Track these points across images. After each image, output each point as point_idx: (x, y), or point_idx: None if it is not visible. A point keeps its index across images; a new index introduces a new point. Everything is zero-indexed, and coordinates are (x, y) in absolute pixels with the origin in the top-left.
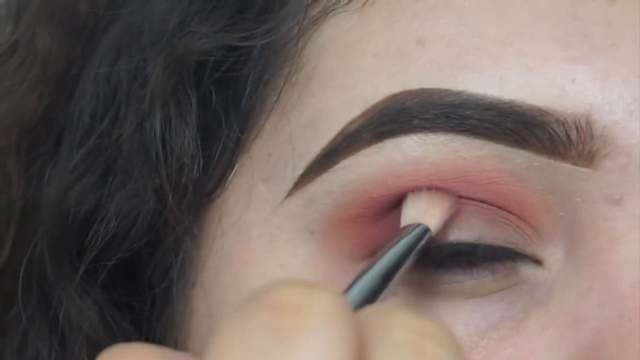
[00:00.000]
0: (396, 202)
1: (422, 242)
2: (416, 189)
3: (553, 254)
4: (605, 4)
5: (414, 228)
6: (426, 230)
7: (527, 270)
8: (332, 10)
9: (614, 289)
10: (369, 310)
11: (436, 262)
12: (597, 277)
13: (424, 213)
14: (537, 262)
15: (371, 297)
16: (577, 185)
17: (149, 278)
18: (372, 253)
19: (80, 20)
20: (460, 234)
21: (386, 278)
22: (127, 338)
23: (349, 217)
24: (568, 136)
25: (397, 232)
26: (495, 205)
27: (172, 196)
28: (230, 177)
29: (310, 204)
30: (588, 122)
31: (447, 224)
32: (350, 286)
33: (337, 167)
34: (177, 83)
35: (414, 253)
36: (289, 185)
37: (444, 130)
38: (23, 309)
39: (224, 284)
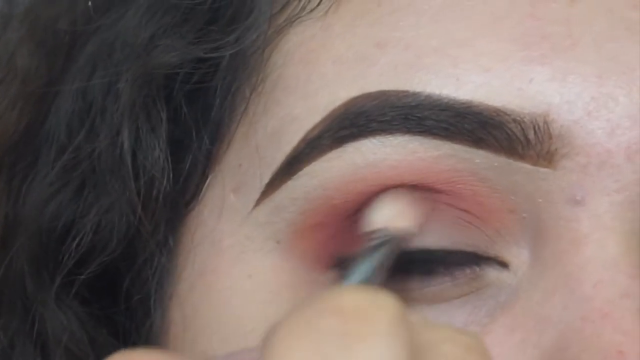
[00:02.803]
0: (359, 213)
1: (395, 251)
2: (380, 192)
3: (519, 256)
4: (565, 4)
5: (386, 236)
6: (399, 237)
7: (491, 274)
8: (297, 18)
9: (577, 290)
10: (417, 322)
11: (394, 268)
12: (561, 278)
13: (394, 217)
14: (503, 264)
15: None
16: (538, 186)
17: (127, 291)
18: (337, 264)
19: (60, 37)
20: (418, 239)
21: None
22: (108, 351)
23: (313, 226)
24: (526, 136)
25: (366, 239)
26: (455, 207)
27: (143, 209)
28: (203, 189)
29: (276, 212)
30: (546, 122)
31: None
32: None
33: (300, 173)
34: (147, 97)
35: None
36: (257, 194)
37: (402, 132)
38: (5, 324)
39: (198, 295)
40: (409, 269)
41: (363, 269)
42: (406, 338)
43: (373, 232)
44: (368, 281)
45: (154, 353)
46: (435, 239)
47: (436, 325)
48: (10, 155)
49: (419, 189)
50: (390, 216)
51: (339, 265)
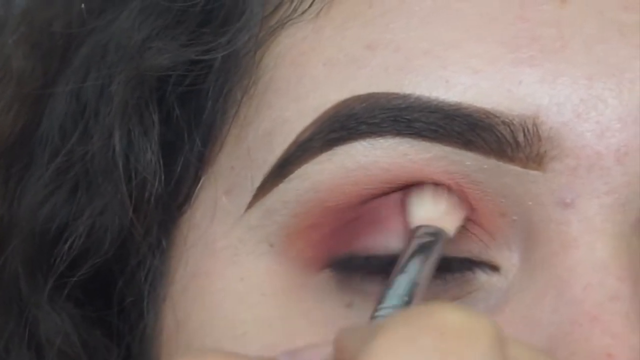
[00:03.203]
0: (353, 214)
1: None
2: (372, 197)
3: (509, 259)
4: (555, 6)
5: (435, 236)
6: (443, 237)
7: (482, 277)
8: (289, 20)
9: (567, 293)
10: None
11: (384, 270)
12: (551, 281)
13: (442, 215)
14: (494, 268)
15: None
16: (528, 188)
17: (120, 293)
18: (330, 266)
19: (55, 40)
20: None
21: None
22: (101, 353)
23: (306, 228)
24: (515, 138)
25: (413, 233)
26: None
27: (135, 211)
28: (196, 191)
29: (268, 215)
30: (535, 124)
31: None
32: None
33: (292, 176)
34: (139, 99)
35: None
36: (249, 197)
37: (392, 134)
38: (2, 326)
39: (190, 298)
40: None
41: (423, 268)
42: (502, 358)
43: (426, 227)
44: (420, 281)
45: (222, 355)
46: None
47: (524, 346)
48: (6, 157)
49: (454, 191)
50: (437, 215)
51: (333, 266)
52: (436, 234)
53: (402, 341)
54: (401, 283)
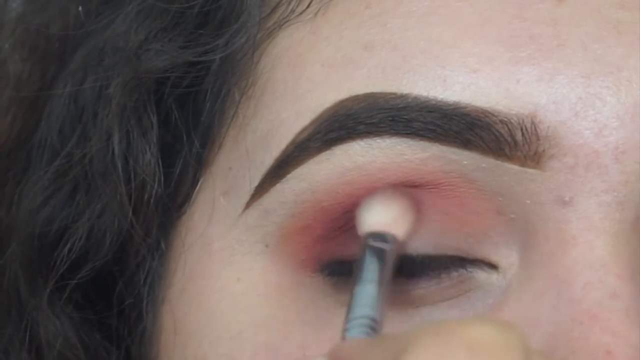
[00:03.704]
0: (345, 219)
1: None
2: (368, 196)
3: (507, 258)
4: (552, 5)
5: (387, 242)
6: (394, 242)
7: (480, 276)
8: (286, 21)
9: (566, 292)
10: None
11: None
12: (550, 280)
13: (391, 220)
14: (492, 266)
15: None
16: (526, 187)
17: (120, 295)
18: (325, 266)
19: (51, 43)
20: (405, 245)
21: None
22: (102, 355)
23: (301, 229)
24: (513, 137)
25: (364, 240)
26: (441, 209)
27: (134, 213)
28: (195, 193)
29: (265, 215)
30: (533, 123)
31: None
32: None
33: (289, 177)
34: (137, 101)
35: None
36: (247, 198)
37: (390, 134)
38: (1, 329)
39: (188, 299)
40: (395, 272)
41: (381, 276)
42: None
43: (371, 234)
44: (380, 290)
45: None
46: (421, 241)
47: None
48: (3, 160)
49: (407, 191)
50: (391, 219)
51: (328, 267)
52: (387, 239)
53: (433, 358)
54: (364, 292)
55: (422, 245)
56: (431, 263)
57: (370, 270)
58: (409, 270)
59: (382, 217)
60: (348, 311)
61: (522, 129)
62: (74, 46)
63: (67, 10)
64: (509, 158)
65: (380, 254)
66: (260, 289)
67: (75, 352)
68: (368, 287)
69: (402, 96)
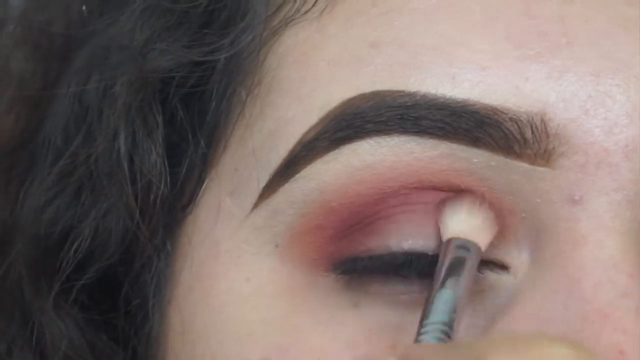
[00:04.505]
0: (356, 218)
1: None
2: (377, 196)
3: (518, 258)
4: (560, 2)
5: (470, 250)
6: (476, 251)
7: (491, 277)
8: (292, 20)
9: (577, 291)
10: None
11: (391, 270)
12: (561, 279)
13: (475, 229)
14: (503, 267)
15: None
16: (536, 185)
17: (126, 295)
18: (337, 267)
19: (55, 41)
20: (416, 242)
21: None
22: (107, 356)
23: (311, 229)
24: (523, 135)
25: (447, 245)
26: None
27: (140, 214)
28: (200, 193)
29: (274, 215)
30: (543, 121)
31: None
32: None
33: (297, 176)
34: (143, 101)
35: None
36: (254, 198)
37: (398, 132)
38: (3, 330)
39: (195, 299)
40: (407, 272)
41: (450, 283)
42: None
43: (456, 240)
44: (458, 298)
45: None
46: (432, 242)
47: None
48: (7, 160)
49: (491, 205)
50: (471, 228)
51: (340, 266)
52: (470, 248)
53: None
54: (442, 298)
55: (434, 245)
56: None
57: (451, 277)
58: (422, 272)
59: (467, 225)
60: (424, 315)
61: (531, 127)
62: (78, 45)
63: (70, 8)
64: (519, 156)
65: (461, 262)
66: (270, 289)
67: (81, 353)
68: (447, 293)
69: (411, 94)
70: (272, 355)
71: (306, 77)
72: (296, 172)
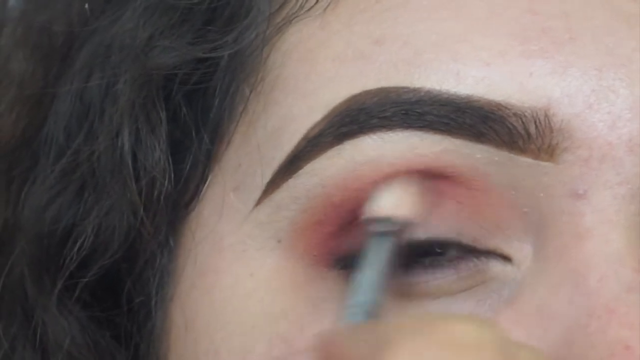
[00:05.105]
0: (356, 213)
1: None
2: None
3: (521, 251)
4: None
5: (390, 226)
6: (402, 227)
7: (495, 268)
8: (295, 17)
9: (582, 285)
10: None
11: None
12: (565, 273)
13: (397, 205)
14: (506, 258)
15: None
16: (539, 180)
17: (128, 293)
18: (338, 262)
19: (55, 41)
20: (417, 233)
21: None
22: (109, 354)
23: (313, 224)
24: (527, 130)
25: (369, 226)
26: (454, 201)
27: (144, 210)
28: (204, 189)
29: (277, 211)
30: (547, 116)
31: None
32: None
33: (301, 172)
34: (146, 98)
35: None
36: (258, 193)
37: (403, 128)
38: (5, 329)
39: (199, 295)
40: (410, 262)
41: (379, 261)
42: None
43: (375, 219)
44: (380, 276)
45: None
46: (435, 232)
47: (530, 349)
48: (8, 160)
49: (427, 177)
50: (393, 204)
51: (341, 261)
52: (387, 223)
53: (418, 356)
54: (362, 279)
55: (438, 233)
56: (447, 252)
57: (369, 256)
58: (425, 261)
59: (382, 202)
60: (347, 297)
61: (535, 122)
62: (79, 44)
63: (70, 8)
64: (523, 151)
65: (379, 239)
66: (274, 284)
67: (83, 351)
68: (367, 273)
69: (415, 90)
70: (277, 347)
71: (310, 74)
72: (300, 167)
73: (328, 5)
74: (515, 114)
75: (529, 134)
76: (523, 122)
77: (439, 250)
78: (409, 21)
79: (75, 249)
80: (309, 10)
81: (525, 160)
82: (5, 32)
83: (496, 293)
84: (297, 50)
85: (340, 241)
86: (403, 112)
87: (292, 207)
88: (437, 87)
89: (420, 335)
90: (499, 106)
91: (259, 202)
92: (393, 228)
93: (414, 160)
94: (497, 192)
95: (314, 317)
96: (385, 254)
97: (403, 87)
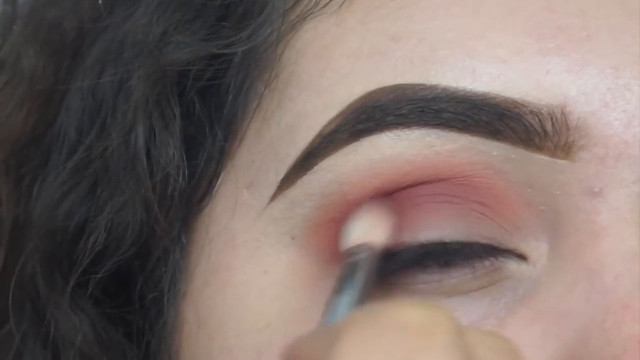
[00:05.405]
0: None
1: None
2: (393, 190)
3: (537, 249)
4: None
5: (365, 251)
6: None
7: (510, 266)
8: (310, 13)
9: (598, 282)
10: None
11: (412, 262)
12: (581, 271)
13: (368, 231)
14: (521, 257)
15: None
16: (556, 178)
17: (140, 290)
18: None
19: (66, 37)
20: (431, 233)
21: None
22: (120, 351)
23: (328, 221)
24: (543, 127)
25: (347, 255)
26: (470, 199)
27: (158, 207)
28: (216, 186)
29: (292, 207)
30: (563, 113)
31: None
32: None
33: (316, 168)
34: (160, 94)
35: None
36: (272, 190)
37: (419, 125)
38: (16, 326)
39: (212, 292)
40: (426, 261)
41: (355, 284)
42: (463, 348)
43: (353, 247)
44: (362, 295)
45: None
46: (451, 231)
47: (481, 332)
48: (18, 157)
49: (386, 198)
50: (364, 231)
51: None
52: (365, 249)
53: (367, 341)
54: (340, 303)
55: (455, 234)
56: (463, 251)
57: (347, 282)
58: (441, 260)
59: (353, 233)
60: (322, 318)
61: (552, 120)
62: (90, 40)
63: (81, 3)
64: (539, 149)
65: (353, 267)
66: (288, 282)
67: (95, 348)
68: (344, 298)
69: (431, 87)
70: None
71: (326, 70)
72: (315, 164)
73: (343, 2)
74: (531, 112)
75: (545, 132)
76: (539, 120)
77: (455, 248)
78: (424, 18)
79: (88, 245)
80: (323, 7)
81: (541, 157)
82: (16, 27)
83: (511, 291)
84: (312, 47)
85: None
86: (419, 109)
87: (306, 204)
88: (454, 84)
89: (369, 323)
90: (515, 103)
91: (272, 198)
92: (365, 253)
93: (432, 158)
94: (513, 189)
95: None
96: (361, 279)
97: (419, 84)
